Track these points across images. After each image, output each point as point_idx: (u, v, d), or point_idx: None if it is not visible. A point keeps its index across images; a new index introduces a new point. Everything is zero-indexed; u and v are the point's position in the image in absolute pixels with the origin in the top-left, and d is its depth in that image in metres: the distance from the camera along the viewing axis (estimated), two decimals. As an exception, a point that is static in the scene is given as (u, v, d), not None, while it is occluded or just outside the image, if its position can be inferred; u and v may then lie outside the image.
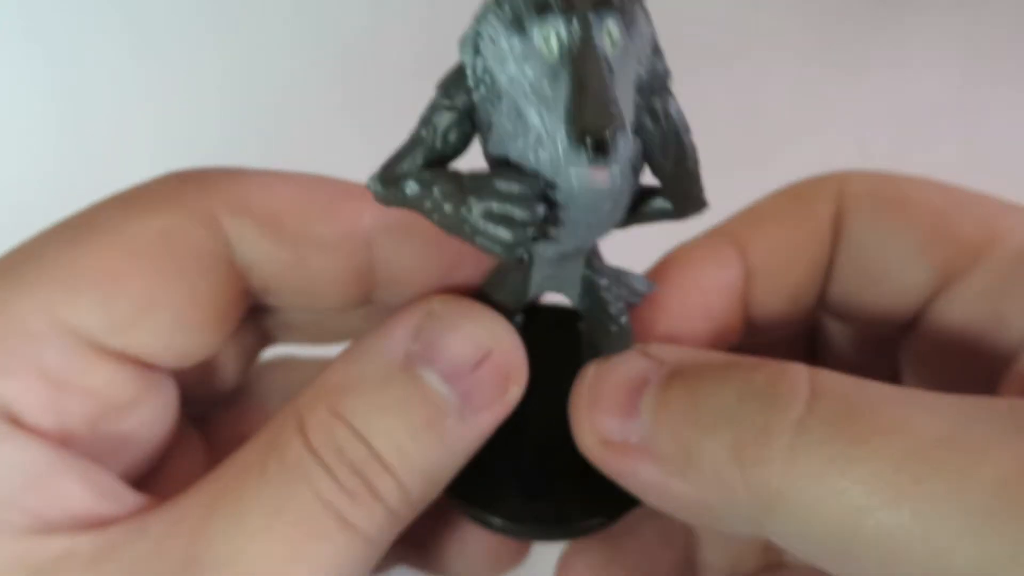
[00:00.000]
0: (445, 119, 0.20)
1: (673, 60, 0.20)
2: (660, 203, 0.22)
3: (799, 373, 0.19)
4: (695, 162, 0.21)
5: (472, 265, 0.24)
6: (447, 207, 0.19)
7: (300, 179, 0.25)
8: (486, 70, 0.19)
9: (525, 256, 0.20)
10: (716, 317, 0.26)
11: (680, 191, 0.22)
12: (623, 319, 0.23)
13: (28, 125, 0.65)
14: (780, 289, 0.27)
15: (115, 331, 0.22)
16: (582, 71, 0.17)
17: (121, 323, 0.22)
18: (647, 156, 0.21)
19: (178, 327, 0.23)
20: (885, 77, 0.70)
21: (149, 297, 0.22)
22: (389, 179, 0.20)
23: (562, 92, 0.17)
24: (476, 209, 0.19)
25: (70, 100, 0.65)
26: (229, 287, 0.24)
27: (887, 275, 0.26)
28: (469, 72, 0.19)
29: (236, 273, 0.24)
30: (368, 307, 0.26)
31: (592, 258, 0.23)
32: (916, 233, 0.25)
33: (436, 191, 0.19)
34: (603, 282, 0.23)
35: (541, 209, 0.19)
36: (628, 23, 0.18)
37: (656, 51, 0.20)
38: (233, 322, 0.25)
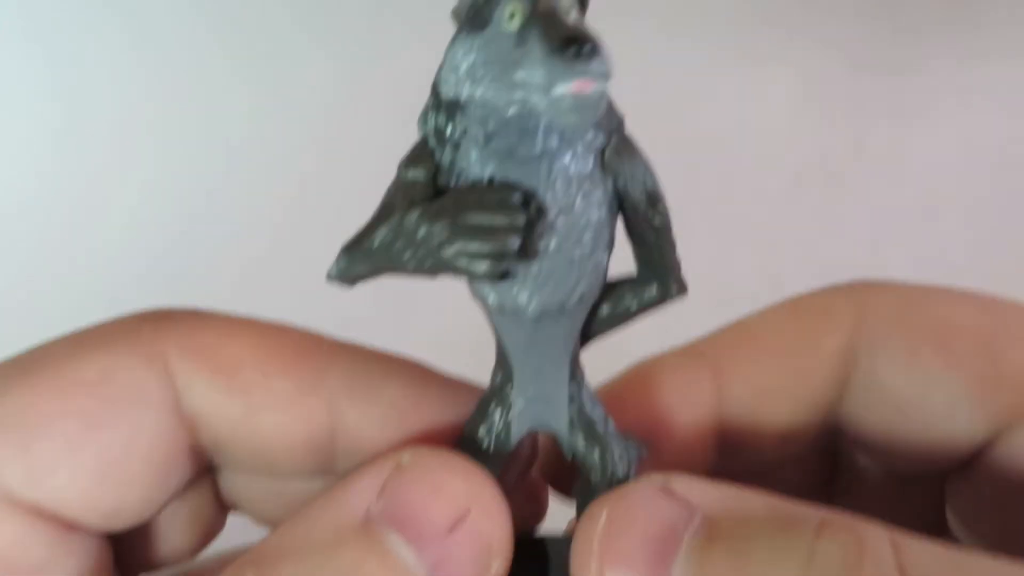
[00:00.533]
0: (412, 190, 0.19)
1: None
2: (638, 287, 0.21)
3: (880, 543, 0.16)
4: (669, 218, 0.20)
5: (449, 433, 0.21)
6: (420, 232, 0.18)
7: (263, 327, 0.23)
8: (448, 105, 0.19)
9: (510, 273, 0.19)
10: (679, 443, 0.23)
11: (662, 263, 0.21)
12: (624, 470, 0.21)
13: (28, 127, 0.65)
14: (764, 425, 0.23)
15: (30, 481, 0.19)
16: (548, 15, 0.17)
17: (37, 472, 0.19)
18: (622, 210, 0.20)
19: (106, 480, 0.19)
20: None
21: (74, 443, 0.19)
22: (349, 251, 0.19)
23: (534, 43, 0.17)
24: (452, 227, 0.18)
25: (70, 101, 0.65)
26: (173, 439, 0.21)
27: (926, 420, 0.22)
28: (430, 135, 0.19)
29: (184, 424, 0.21)
30: (331, 477, 0.22)
31: (575, 371, 0.21)
32: (963, 372, 0.21)
33: (404, 223, 0.18)
34: (593, 410, 0.21)
35: (523, 217, 0.18)
36: (582, 5, 0.18)
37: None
38: (177, 480, 0.21)
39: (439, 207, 0.18)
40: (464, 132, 0.19)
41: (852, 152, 0.68)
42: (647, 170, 0.20)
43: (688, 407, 0.23)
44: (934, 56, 0.70)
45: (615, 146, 0.20)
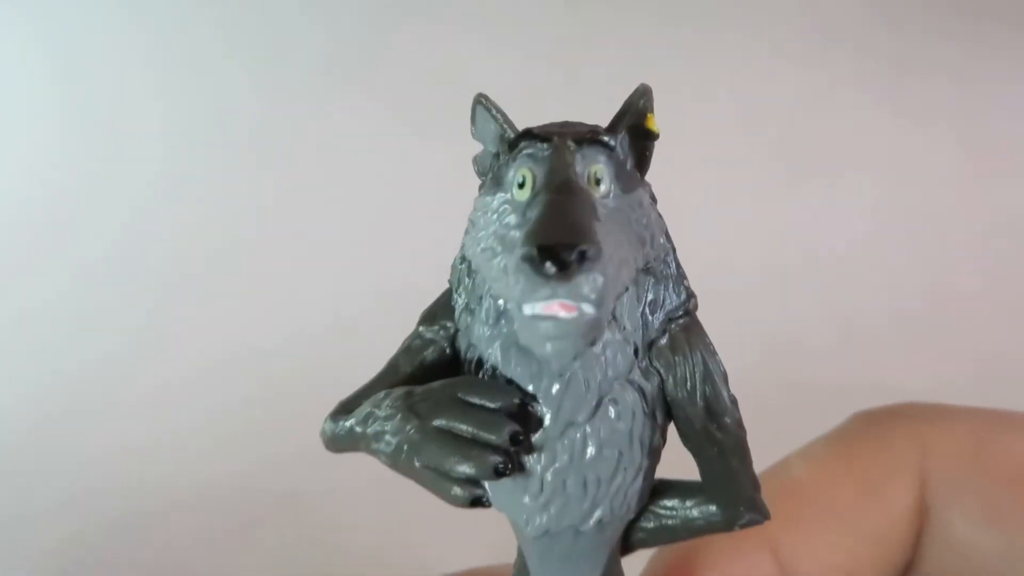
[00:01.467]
0: (422, 349, 0.16)
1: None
2: (696, 503, 0.17)
3: None
4: (738, 436, 0.16)
5: None
6: (388, 434, 0.15)
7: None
8: (468, 268, 0.16)
9: (485, 501, 0.15)
10: None
11: (722, 478, 0.16)
12: None
13: (28, 122, 0.65)
14: None
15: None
16: (549, 191, 0.14)
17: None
18: (670, 411, 0.16)
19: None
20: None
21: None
22: (340, 413, 0.16)
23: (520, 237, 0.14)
24: (424, 432, 0.15)
25: (71, 97, 0.65)
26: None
27: None
28: (454, 287, 0.16)
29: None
30: None
31: None
32: None
33: (379, 411, 0.15)
34: None
35: (510, 430, 0.14)
36: (620, 172, 0.15)
37: (674, 262, 0.16)
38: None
39: (423, 398, 0.15)
40: (479, 300, 0.16)
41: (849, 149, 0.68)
42: (707, 373, 0.16)
43: None
44: (933, 55, 0.70)
45: (670, 340, 0.16)
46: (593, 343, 0.14)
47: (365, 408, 0.16)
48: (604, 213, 0.14)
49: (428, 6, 0.66)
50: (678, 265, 0.16)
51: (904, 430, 0.21)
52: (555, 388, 0.15)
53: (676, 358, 0.15)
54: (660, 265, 0.16)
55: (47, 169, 0.64)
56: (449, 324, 0.16)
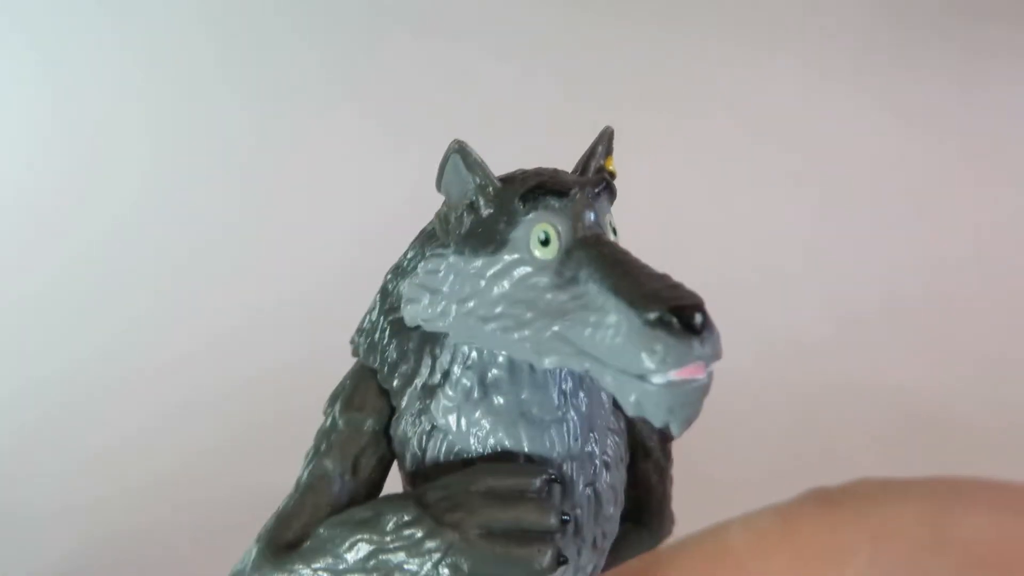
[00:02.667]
0: (353, 444, 0.14)
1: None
2: (634, 536, 0.17)
3: None
4: (670, 467, 0.18)
5: None
6: (412, 563, 0.13)
7: None
8: (421, 341, 0.14)
9: None
10: None
11: (662, 504, 0.18)
12: None
13: (19, 122, 0.65)
14: None
15: None
16: (593, 247, 0.13)
17: None
18: (633, 467, 0.17)
19: None
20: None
21: None
22: (281, 556, 0.14)
23: (588, 286, 0.13)
24: (474, 544, 0.13)
25: (62, 98, 0.65)
26: None
27: None
28: (385, 368, 0.14)
29: None
30: None
31: None
32: None
33: (384, 539, 0.13)
34: None
35: (557, 511, 0.13)
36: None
37: None
38: None
39: (449, 506, 0.13)
40: (444, 376, 0.14)
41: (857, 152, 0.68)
42: None
43: None
44: (934, 56, 0.70)
45: None
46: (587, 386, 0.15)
47: (335, 540, 0.13)
48: None
49: (420, 18, 0.66)
50: None
51: (855, 513, 0.19)
52: (575, 450, 0.14)
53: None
54: None
55: (38, 168, 0.64)
56: (381, 407, 0.15)
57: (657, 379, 0.12)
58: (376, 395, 0.15)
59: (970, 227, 0.67)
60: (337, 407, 0.15)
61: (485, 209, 0.14)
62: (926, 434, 0.50)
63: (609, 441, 0.15)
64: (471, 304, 0.14)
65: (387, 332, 0.14)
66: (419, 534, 0.13)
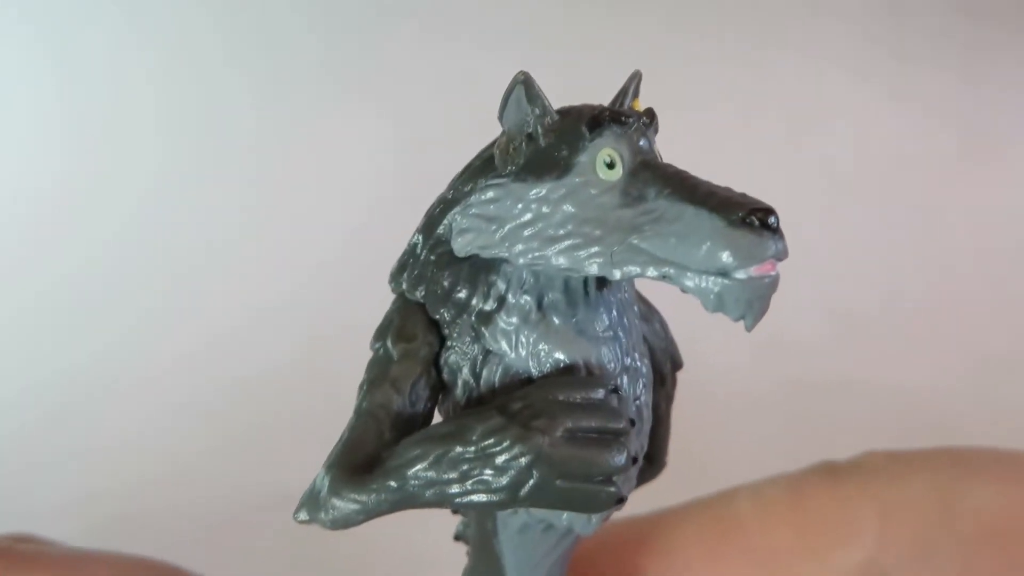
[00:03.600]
0: (409, 372, 0.15)
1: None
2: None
3: None
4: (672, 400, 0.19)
5: None
6: (495, 470, 0.14)
7: None
8: (468, 273, 0.15)
9: (625, 497, 0.15)
10: None
11: (665, 437, 0.18)
12: None
13: (27, 121, 0.65)
14: None
15: None
16: (656, 168, 0.14)
17: None
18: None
19: None
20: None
21: None
22: (359, 477, 0.14)
23: (659, 202, 0.14)
24: (560, 446, 0.14)
25: (70, 96, 0.65)
26: None
27: None
28: (436, 301, 0.15)
29: None
30: None
31: None
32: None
33: (465, 450, 0.14)
34: None
35: (627, 415, 0.14)
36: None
37: None
38: None
39: (531, 414, 0.14)
40: (500, 302, 0.15)
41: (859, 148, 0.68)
42: (670, 335, 0.18)
43: None
44: (936, 51, 0.70)
45: (646, 310, 0.17)
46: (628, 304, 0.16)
47: (412, 453, 0.14)
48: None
49: (427, 16, 0.66)
50: None
51: (862, 488, 0.20)
52: (627, 365, 0.15)
53: (655, 322, 0.18)
54: None
55: (43, 166, 0.64)
56: (432, 339, 0.15)
57: (739, 274, 0.13)
58: (426, 326, 0.15)
59: (971, 226, 0.67)
60: (388, 339, 0.15)
61: (544, 139, 0.15)
62: (925, 433, 0.49)
63: (646, 361, 0.16)
64: (537, 227, 0.15)
65: (435, 264, 0.15)
66: (508, 440, 0.13)
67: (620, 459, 0.14)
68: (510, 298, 0.15)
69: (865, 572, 0.19)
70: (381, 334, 0.15)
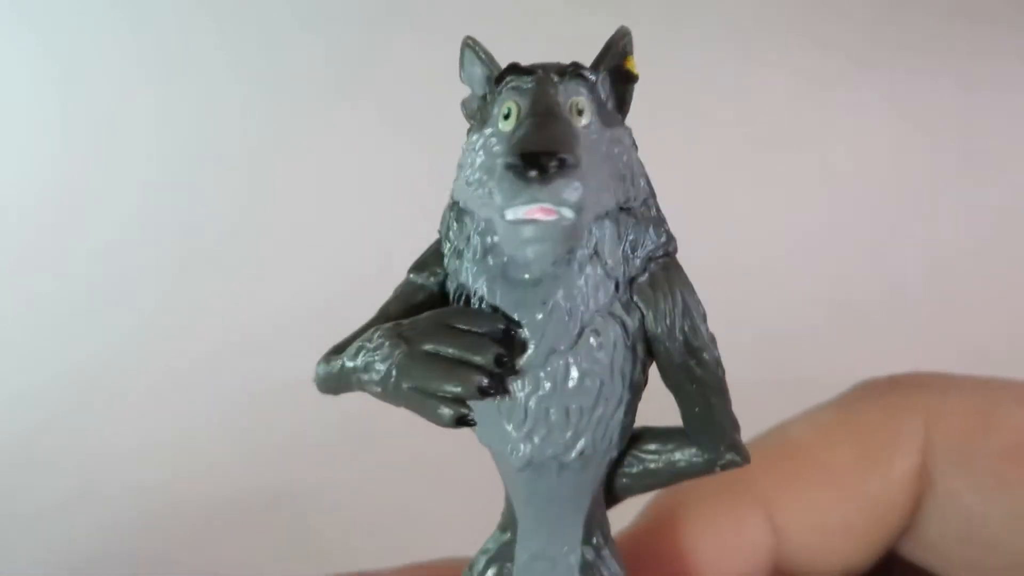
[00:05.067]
0: (413, 296, 0.17)
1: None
2: (678, 445, 0.17)
3: None
4: (716, 373, 0.16)
5: None
6: (377, 362, 0.16)
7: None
8: (458, 211, 0.17)
9: (470, 420, 0.16)
10: None
11: (702, 418, 0.17)
12: None
13: (26, 120, 0.65)
14: (824, 564, 0.20)
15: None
16: (543, 115, 0.15)
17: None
18: (651, 352, 0.16)
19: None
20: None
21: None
22: (328, 356, 0.17)
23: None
24: (410, 355, 0.15)
25: (68, 94, 0.65)
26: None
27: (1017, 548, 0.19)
28: (443, 237, 0.17)
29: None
30: None
31: (593, 533, 0.18)
32: None
33: (369, 344, 0.16)
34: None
35: (495, 351, 0.15)
36: (601, 109, 0.16)
37: (654, 206, 0.17)
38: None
39: (411, 326, 0.16)
40: (467, 241, 0.16)
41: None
42: (686, 309, 0.16)
43: (739, 559, 0.19)
44: (932, 52, 0.70)
45: (650, 278, 0.16)
46: (571, 258, 0.15)
47: (355, 344, 0.16)
48: (584, 142, 0.15)
49: (429, 18, 0.66)
50: (658, 209, 0.17)
51: (908, 399, 0.21)
52: (539, 316, 0.15)
53: (656, 294, 0.16)
54: (641, 207, 0.16)
55: (45, 169, 0.64)
56: (439, 270, 0.17)
57: (508, 215, 0.14)
58: (437, 260, 0.17)
59: (971, 225, 0.67)
60: (409, 270, 0.18)
61: (488, 95, 0.16)
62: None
63: (601, 320, 0.16)
64: (466, 174, 0.16)
65: (448, 211, 0.17)
66: (384, 344, 0.16)
67: (452, 385, 0.15)
68: (473, 238, 0.16)
69: (917, 479, 0.20)
70: (412, 264, 0.18)
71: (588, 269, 0.15)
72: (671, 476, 0.17)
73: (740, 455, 0.17)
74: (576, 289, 0.15)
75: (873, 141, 0.69)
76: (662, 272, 0.16)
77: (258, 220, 0.63)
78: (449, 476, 0.43)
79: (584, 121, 0.16)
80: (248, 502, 0.46)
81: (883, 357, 0.57)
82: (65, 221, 0.63)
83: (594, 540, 0.17)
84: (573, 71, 0.16)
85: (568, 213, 0.14)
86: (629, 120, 0.17)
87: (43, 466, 0.50)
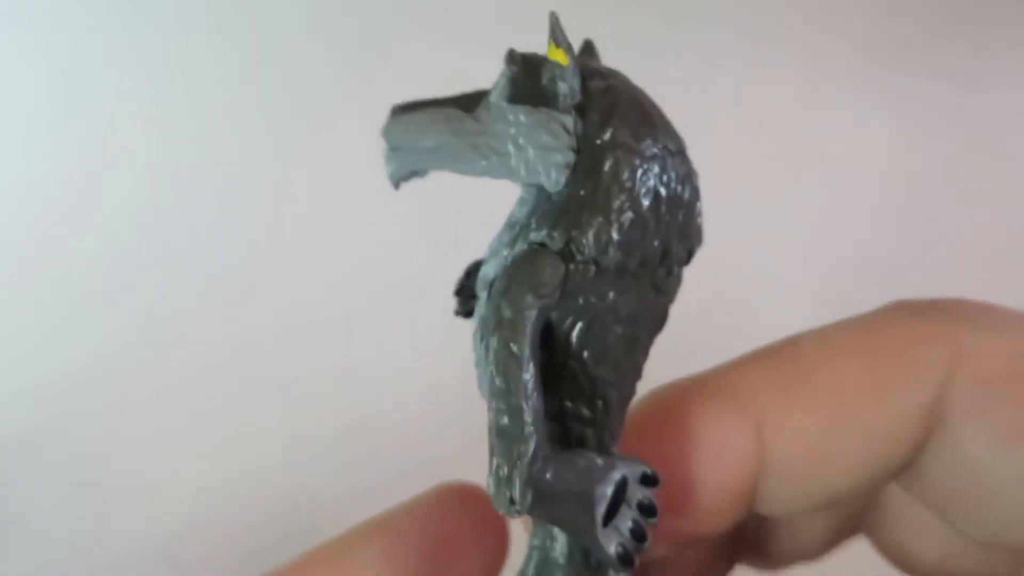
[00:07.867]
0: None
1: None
2: None
3: None
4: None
5: None
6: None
7: None
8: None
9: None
10: (705, 508, 0.18)
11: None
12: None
13: (21, 119, 0.65)
14: (809, 492, 0.19)
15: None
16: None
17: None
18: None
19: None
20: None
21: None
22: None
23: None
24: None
25: (64, 94, 0.65)
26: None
27: (1018, 505, 0.18)
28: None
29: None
30: None
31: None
32: None
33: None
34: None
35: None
36: (515, 91, 0.18)
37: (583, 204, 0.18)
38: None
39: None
40: None
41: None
42: (504, 288, 0.16)
43: (723, 467, 0.18)
44: (935, 56, 0.70)
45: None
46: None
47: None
48: (483, 112, 0.17)
49: (428, 21, 0.66)
50: (583, 208, 0.16)
51: (937, 327, 0.19)
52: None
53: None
54: (556, 197, 0.16)
55: (41, 173, 0.64)
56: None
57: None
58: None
59: (972, 225, 0.67)
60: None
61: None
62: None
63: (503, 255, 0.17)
64: None
65: None
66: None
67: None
68: None
69: (927, 416, 0.18)
70: None
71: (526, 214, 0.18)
72: None
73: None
74: (510, 229, 0.18)
75: (873, 141, 0.68)
76: (521, 255, 0.16)
77: (258, 221, 0.63)
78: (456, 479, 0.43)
79: (492, 98, 0.18)
80: (251, 502, 0.46)
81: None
82: (64, 221, 0.63)
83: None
84: (508, 55, 0.18)
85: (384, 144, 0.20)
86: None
87: (43, 466, 0.50)
